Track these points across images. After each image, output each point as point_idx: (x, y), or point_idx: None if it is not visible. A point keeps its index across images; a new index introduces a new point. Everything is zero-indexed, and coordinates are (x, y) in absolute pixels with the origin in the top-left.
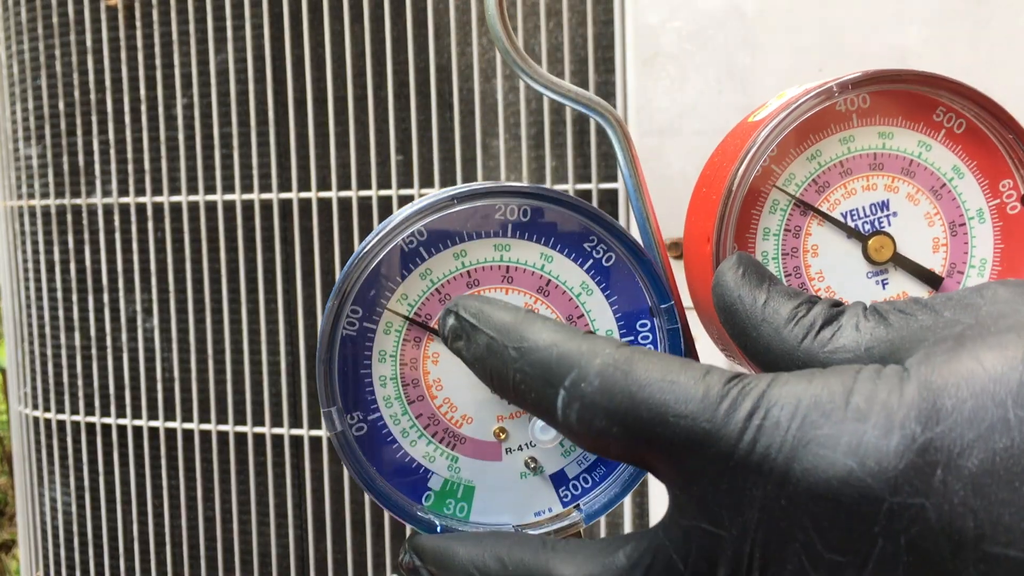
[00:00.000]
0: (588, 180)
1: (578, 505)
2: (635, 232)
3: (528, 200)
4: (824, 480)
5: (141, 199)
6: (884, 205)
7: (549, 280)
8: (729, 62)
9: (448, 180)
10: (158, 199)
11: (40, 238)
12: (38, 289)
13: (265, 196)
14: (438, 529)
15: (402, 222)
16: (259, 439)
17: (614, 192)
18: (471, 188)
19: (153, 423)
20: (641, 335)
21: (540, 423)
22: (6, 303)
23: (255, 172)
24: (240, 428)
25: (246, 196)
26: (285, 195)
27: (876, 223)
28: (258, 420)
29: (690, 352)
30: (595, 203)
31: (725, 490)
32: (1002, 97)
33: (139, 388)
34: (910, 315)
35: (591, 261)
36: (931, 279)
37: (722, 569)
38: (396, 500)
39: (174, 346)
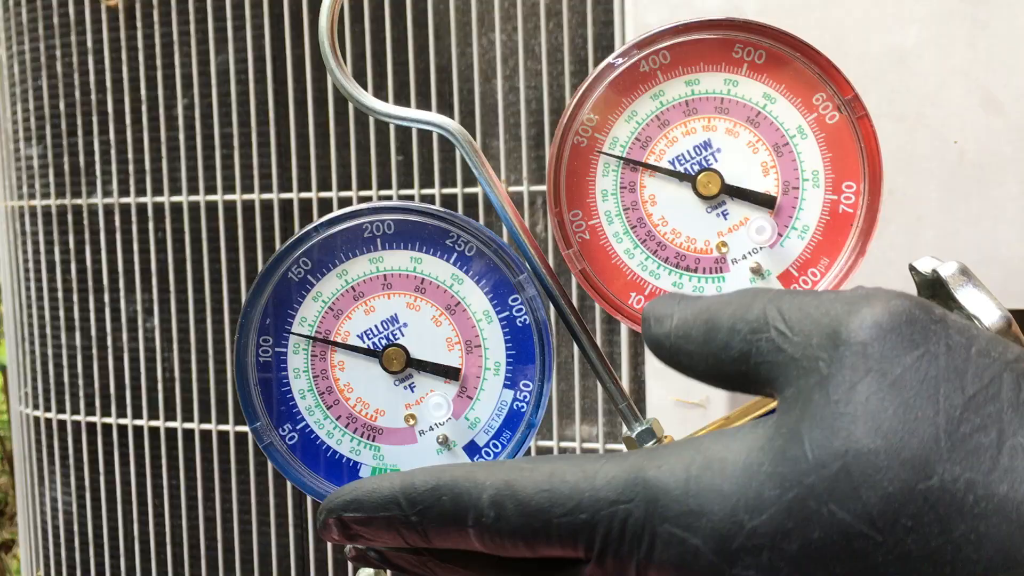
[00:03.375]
0: None
1: None
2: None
3: (388, 215)
4: (678, 555)
5: (141, 199)
6: (706, 144)
7: (423, 279)
8: None
9: (448, 180)
10: (158, 199)
11: (40, 238)
12: (38, 289)
13: (265, 196)
14: None
15: (280, 256)
16: None
17: None
18: (337, 214)
19: (153, 423)
20: (515, 308)
21: (433, 401)
22: (6, 303)
23: (255, 172)
24: (240, 428)
25: (246, 196)
26: (285, 195)
27: (703, 162)
28: None
29: (563, 309)
30: None
31: (611, 568)
32: (1002, 97)
33: (139, 388)
34: (785, 336)
35: (455, 254)
36: (765, 200)
37: None
38: (327, 493)
39: (174, 346)
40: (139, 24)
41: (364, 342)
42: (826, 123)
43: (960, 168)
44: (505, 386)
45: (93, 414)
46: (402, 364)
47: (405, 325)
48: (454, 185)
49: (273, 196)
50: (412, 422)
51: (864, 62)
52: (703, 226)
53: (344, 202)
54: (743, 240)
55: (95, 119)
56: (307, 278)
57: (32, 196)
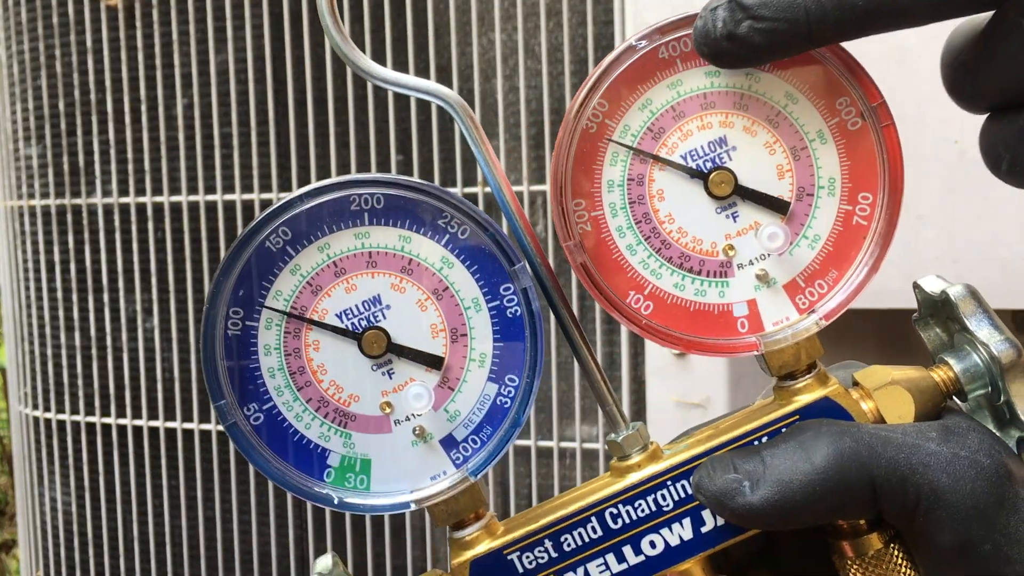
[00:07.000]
0: None
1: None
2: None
3: (377, 188)
4: None
5: (141, 199)
6: (722, 141)
7: (411, 259)
8: None
9: (448, 180)
10: (158, 199)
11: (40, 238)
12: (38, 289)
13: (265, 196)
14: (335, 503)
15: (259, 223)
16: None
17: None
18: (322, 184)
19: (153, 423)
20: (506, 298)
21: (413, 391)
22: (6, 303)
23: (255, 172)
24: None
25: (246, 196)
26: (285, 195)
27: (716, 159)
28: None
29: (556, 303)
30: None
31: None
32: None
33: (139, 388)
34: None
35: (447, 236)
36: (778, 205)
37: None
38: (290, 480)
39: (174, 346)
40: (139, 24)
41: (343, 322)
42: (847, 129)
43: (960, 168)
44: (490, 379)
45: (93, 414)
46: (382, 348)
47: (388, 307)
48: (454, 185)
49: (273, 196)
50: (388, 410)
51: (864, 62)
52: (711, 227)
53: None
54: (751, 245)
55: (94, 119)
56: (286, 249)
57: (32, 196)
